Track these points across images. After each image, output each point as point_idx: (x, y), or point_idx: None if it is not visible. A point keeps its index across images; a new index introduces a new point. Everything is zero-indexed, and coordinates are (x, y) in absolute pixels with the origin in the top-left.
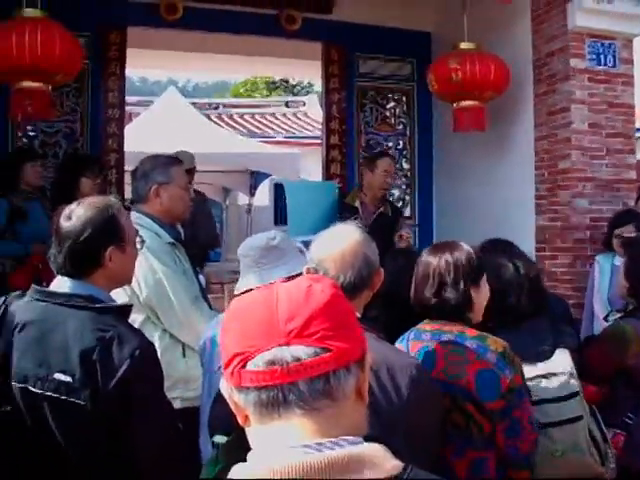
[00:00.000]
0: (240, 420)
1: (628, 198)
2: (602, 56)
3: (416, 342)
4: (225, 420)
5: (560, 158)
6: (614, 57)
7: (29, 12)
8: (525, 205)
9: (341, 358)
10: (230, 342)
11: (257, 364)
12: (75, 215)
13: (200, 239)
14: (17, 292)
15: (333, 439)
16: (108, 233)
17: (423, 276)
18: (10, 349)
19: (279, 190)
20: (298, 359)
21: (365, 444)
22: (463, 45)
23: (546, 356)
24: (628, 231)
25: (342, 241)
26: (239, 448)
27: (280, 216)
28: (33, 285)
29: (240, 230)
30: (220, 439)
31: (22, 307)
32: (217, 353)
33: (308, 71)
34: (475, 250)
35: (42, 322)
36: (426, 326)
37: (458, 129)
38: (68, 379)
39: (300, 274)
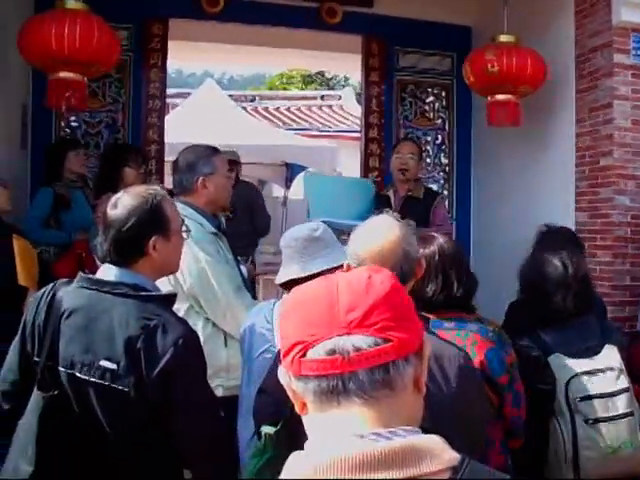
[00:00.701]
0: (297, 408)
1: None
2: None
3: None
4: (270, 410)
5: (601, 155)
6: None
7: (70, 4)
8: (565, 202)
9: (401, 349)
10: (290, 331)
11: (318, 353)
12: (121, 204)
13: (258, 228)
14: (64, 279)
15: (395, 428)
16: (152, 222)
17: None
18: (57, 335)
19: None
20: (359, 349)
21: (423, 435)
22: (502, 38)
23: (594, 352)
24: None
25: (380, 238)
26: (286, 438)
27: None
28: (80, 273)
29: (275, 222)
30: (268, 429)
31: (69, 294)
32: (256, 341)
33: (344, 64)
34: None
35: (89, 309)
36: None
37: (491, 123)
38: (113, 366)
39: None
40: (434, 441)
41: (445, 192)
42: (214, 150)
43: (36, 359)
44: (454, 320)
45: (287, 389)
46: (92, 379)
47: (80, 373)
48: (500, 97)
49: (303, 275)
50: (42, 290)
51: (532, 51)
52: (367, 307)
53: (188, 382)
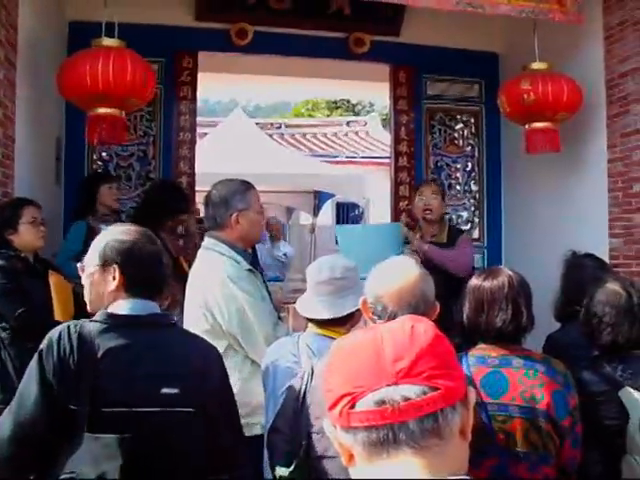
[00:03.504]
0: (344, 459)
1: None
2: None
3: (481, 367)
4: (283, 449)
5: (635, 180)
6: None
7: (106, 41)
8: (598, 227)
9: (449, 397)
10: (337, 383)
11: (367, 404)
12: None
13: None
14: (85, 319)
15: (445, 477)
16: None
17: (488, 301)
18: (97, 377)
19: (340, 209)
20: (408, 398)
21: None
22: (534, 65)
23: None
24: None
25: (400, 278)
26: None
27: None
28: (102, 310)
29: (303, 250)
30: (282, 472)
31: (99, 334)
32: (281, 377)
33: (370, 91)
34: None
35: (126, 346)
36: (489, 351)
37: (531, 151)
38: (174, 391)
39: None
40: None
41: (476, 219)
42: (248, 185)
43: (72, 407)
44: (523, 358)
45: (333, 441)
46: (153, 409)
47: (137, 407)
48: (538, 125)
49: (333, 316)
50: (56, 334)
51: (567, 77)
52: (413, 356)
53: (230, 393)
